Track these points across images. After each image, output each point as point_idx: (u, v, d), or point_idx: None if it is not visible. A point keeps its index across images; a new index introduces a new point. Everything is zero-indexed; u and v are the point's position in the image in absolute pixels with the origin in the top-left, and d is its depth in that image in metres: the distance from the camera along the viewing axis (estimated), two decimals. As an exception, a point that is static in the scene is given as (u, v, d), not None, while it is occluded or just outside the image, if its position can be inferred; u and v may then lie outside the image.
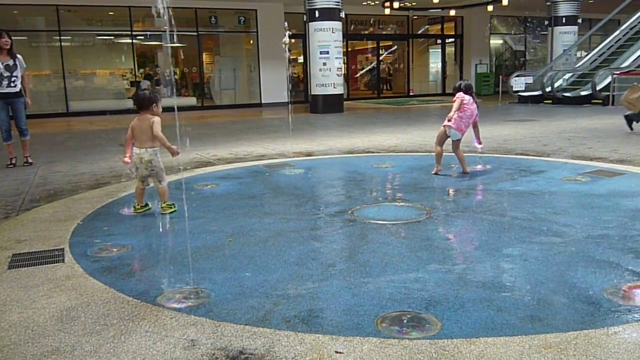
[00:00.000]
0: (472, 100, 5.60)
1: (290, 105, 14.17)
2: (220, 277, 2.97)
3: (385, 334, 2.27)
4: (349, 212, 4.28)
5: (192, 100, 18.41)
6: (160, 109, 4.35)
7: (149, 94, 4.35)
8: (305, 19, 15.13)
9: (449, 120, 5.50)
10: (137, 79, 17.71)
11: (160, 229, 4.08)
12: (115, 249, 3.52)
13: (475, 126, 5.78)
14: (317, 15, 14.58)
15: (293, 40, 18.64)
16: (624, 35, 17.78)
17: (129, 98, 16.40)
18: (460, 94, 5.56)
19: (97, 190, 5.37)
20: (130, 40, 17.33)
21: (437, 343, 2.17)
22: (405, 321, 2.38)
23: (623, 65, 15.77)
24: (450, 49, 24.29)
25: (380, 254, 3.29)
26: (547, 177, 5.45)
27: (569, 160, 6.39)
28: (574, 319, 2.34)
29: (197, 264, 3.17)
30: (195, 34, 17.98)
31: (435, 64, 24.73)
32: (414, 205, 4.47)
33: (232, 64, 19.49)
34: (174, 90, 19.66)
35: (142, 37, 17.81)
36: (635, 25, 17.70)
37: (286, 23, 7.50)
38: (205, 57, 19.18)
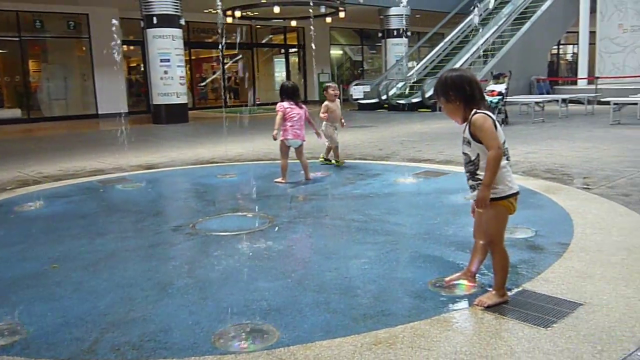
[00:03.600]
0: (293, 103, 5.64)
1: (130, 115, 13.44)
2: (41, 308, 2.68)
3: (222, 350, 2.21)
4: (190, 225, 4.15)
5: (15, 112, 16.65)
6: None
7: None
8: (142, 26, 14.49)
9: (276, 134, 5.61)
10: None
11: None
12: None
13: (309, 121, 5.88)
14: (155, 21, 14.04)
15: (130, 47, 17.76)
16: (448, 47, 19.69)
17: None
18: (279, 105, 5.66)
19: None
20: None
21: (273, 352, 2.16)
22: (243, 334, 2.34)
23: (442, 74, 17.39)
24: (293, 59, 24.92)
25: (220, 267, 3.22)
26: (382, 179, 5.78)
27: (401, 162, 6.85)
28: (402, 313, 2.48)
29: (13, 296, 2.83)
30: (18, 39, 16.34)
31: (280, 73, 25.18)
32: (257, 214, 4.46)
33: (63, 71, 18.00)
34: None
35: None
36: (457, 38, 19.71)
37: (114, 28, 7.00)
38: (31, 64, 17.49)
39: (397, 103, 17.03)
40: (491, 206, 2.46)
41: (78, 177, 6.51)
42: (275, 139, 5.65)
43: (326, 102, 6.56)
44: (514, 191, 2.49)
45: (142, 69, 19.52)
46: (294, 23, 21.15)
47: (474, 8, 18.41)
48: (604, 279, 2.77)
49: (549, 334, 2.22)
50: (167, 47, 14.21)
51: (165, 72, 14.30)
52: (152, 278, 3.07)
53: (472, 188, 2.52)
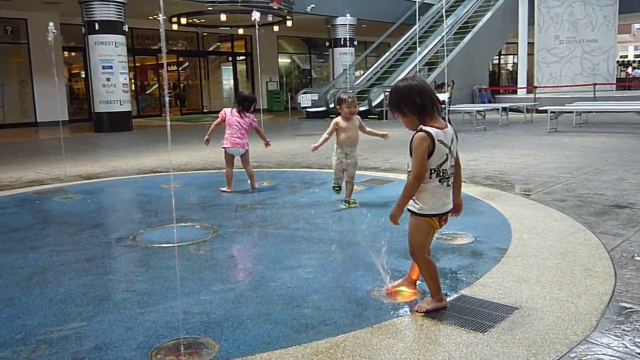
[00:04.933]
0: (237, 111, 5.55)
1: (71, 123, 13.00)
2: (-35, 328, 2.53)
3: (159, 367, 2.14)
4: (131, 237, 4.03)
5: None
6: None
7: None
8: (84, 32, 14.07)
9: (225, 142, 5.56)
10: None
11: None
12: None
13: (256, 130, 5.80)
14: (97, 27, 13.66)
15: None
16: (393, 56, 20.08)
17: None
18: (222, 112, 5.63)
19: None
20: None
21: (212, 368, 2.11)
22: (182, 349, 2.28)
23: (393, 84, 17.73)
24: (242, 67, 24.78)
25: (161, 279, 3.13)
26: (328, 188, 5.76)
27: (348, 170, 6.89)
28: (344, 322, 2.48)
29: None
30: (-51, 44, 15.55)
31: (228, 80, 24.99)
32: (201, 224, 4.39)
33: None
34: None
35: None
36: (402, 48, 20.12)
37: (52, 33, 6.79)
38: (-36, 71, 16.68)
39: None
40: (412, 218, 2.49)
41: (13, 188, 6.22)
42: (206, 143, 5.69)
43: (337, 119, 4.86)
44: (436, 212, 2.49)
45: (84, 75, 18.95)
46: (241, 31, 21.06)
47: (418, 19, 18.88)
48: (539, 283, 2.86)
49: (486, 338, 2.27)
50: (109, 53, 13.85)
51: (108, 79, 13.92)
52: (88, 293, 2.95)
53: None
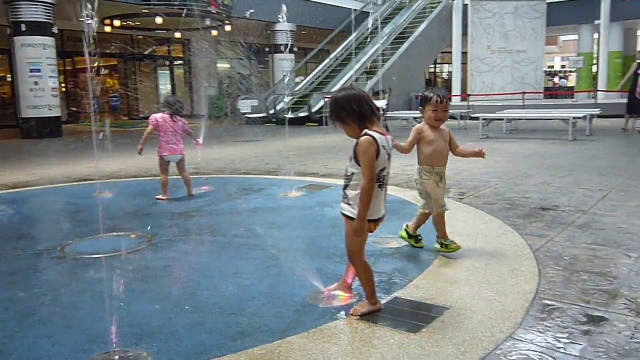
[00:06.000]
0: (166, 116, 5.43)
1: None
2: None
3: (87, 382, 2.06)
4: (59, 249, 3.86)
5: None
6: None
7: None
8: (9, 33, 13.42)
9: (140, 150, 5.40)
10: None
11: None
12: None
13: (189, 134, 5.71)
14: (24, 29, 13.05)
15: None
16: (333, 63, 20.29)
17: None
18: (152, 118, 5.47)
19: None
20: None
21: (143, 380, 2.05)
22: (112, 362, 2.21)
23: (333, 90, 17.93)
24: (179, 71, 24.33)
25: (90, 292, 3.02)
26: (267, 194, 5.79)
27: (287, 177, 6.89)
28: (280, 329, 2.48)
29: None
30: None
31: (165, 86, 24.45)
32: (134, 234, 4.27)
33: None
34: None
35: None
36: (342, 55, 20.37)
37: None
38: None
39: (285, 117, 17.21)
40: (349, 223, 2.54)
41: None
42: (140, 153, 5.44)
43: (419, 126, 3.56)
44: (373, 218, 2.55)
45: (10, 79, 18.05)
46: (178, 35, 20.69)
47: (354, 28, 19.18)
48: (468, 284, 2.96)
49: (418, 339, 2.33)
50: (37, 56, 13.26)
51: (36, 84, 13.32)
52: (11, 308, 2.81)
53: (342, 199, 2.60)
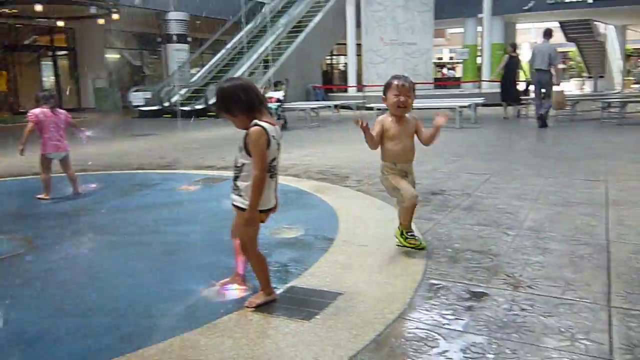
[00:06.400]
0: (46, 110, 5.10)
1: None
2: None
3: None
4: None
5: None
6: None
7: None
8: None
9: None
10: None
11: None
12: None
13: (72, 125, 5.38)
14: None
15: None
16: (229, 54, 19.97)
17: None
18: (30, 114, 5.09)
19: None
20: None
21: (19, 393, 1.91)
22: (-17, 377, 2.03)
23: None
24: (64, 62, 22.79)
25: (-40, 301, 2.76)
26: (161, 189, 5.59)
27: (183, 170, 6.72)
28: (173, 326, 2.40)
29: None
30: None
31: (48, 78, 22.80)
32: (12, 236, 3.95)
33: None
34: None
35: None
36: (237, 46, 20.09)
37: None
38: None
39: (181, 110, 16.74)
40: (241, 214, 2.51)
41: None
42: (21, 153, 5.01)
43: (381, 117, 3.36)
44: (264, 208, 2.54)
45: None
46: (61, 23, 19.37)
47: (254, 15, 19.03)
48: (361, 268, 3.04)
49: (312, 325, 2.36)
50: None
51: None
52: None
53: (232, 190, 2.56)
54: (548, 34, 11.20)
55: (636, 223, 3.80)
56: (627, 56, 32.16)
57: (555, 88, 10.62)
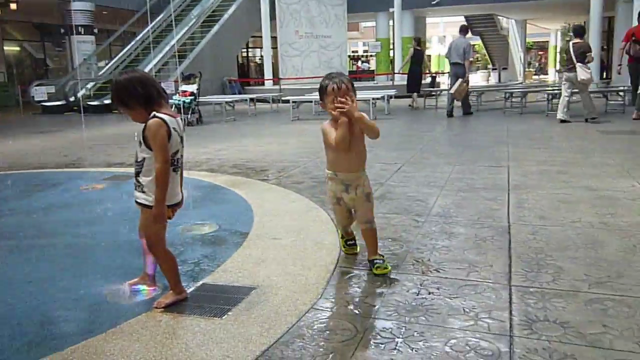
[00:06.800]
0: None
1: None
2: None
3: None
4: None
5: None
6: None
7: None
8: None
9: None
10: None
11: None
12: None
13: None
14: None
15: None
16: (139, 46, 19.20)
17: None
18: None
19: None
20: None
21: None
22: None
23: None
24: (-45, 55, 21.01)
25: None
26: (63, 188, 5.28)
27: (89, 169, 6.39)
28: (75, 332, 2.27)
29: None
30: None
31: (-63, 71, 20.95)
32: None
33: None
34: None
35: None
36: (147, 38, 19.36)
37: None
38: None
39: (88, 105, 15.92)
40: (145, 211, 2.43)
41: None
42: None
43: (322, 125, 2.88)
44: (170, 203, 2.46)
45: None
46: (-50, 12, 17.83)
47: (166, 6, 18.39)
48: (275, 261, 3.03)
49: (223, 322, 2.31)
50: None
51: None
52: None
53: (135, 187, 2.47)
54: (464, 30, 11.81)
55: (534, 205, 4.04)
56: (528, 49, 34.27)
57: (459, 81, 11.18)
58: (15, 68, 22.98)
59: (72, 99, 15.96)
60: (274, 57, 22.04)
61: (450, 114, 11.28)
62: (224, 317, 2.35)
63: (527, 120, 10.22)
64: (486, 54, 34.16)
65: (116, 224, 3.95)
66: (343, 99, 2.69)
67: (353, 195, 2.87)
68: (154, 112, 2.38)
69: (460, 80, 11.07)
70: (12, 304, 2.60)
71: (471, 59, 11.77)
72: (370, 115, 11.17)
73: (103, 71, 18.35)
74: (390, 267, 2.83)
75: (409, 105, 13.93)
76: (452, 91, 11.17)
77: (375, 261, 2.83)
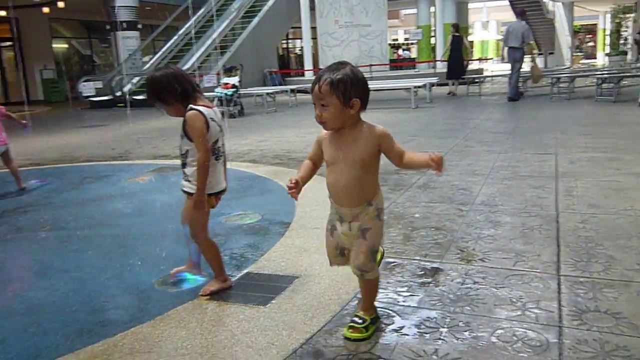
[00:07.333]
0: None
1: None
2: None
3: None
4: None
5: None
6: None
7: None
8: None
9: None
10: None
11: None
12: None
13: (9, 118, 5.16)
14: None
15: None
16: (181, 40, 19.51)
17: None
18: None
19: None
20: None
21: (-40, 399, 1.83)
22: None
23: (184, 68, 17.27)
24: (8, 54, 21.88)
25: None
26: (112, 181, 5.43)
27: (136, 161, 6.55)
28: (124, 320, 2.34)
29: None
30: None
31: (-8, 70, 21.89)
32: (-46, 236, 3.77)
33: None
34: None
35: None
36: (190, 32, 19.64)
37: None
38: None
39: (134, 99, 16.31)
40: (189, 199, 2.48)
41: None
42: None
43: (320, 135, 2.11)
44: (213, 191, 2.51)
45: None
46: (3, 13, 18.53)
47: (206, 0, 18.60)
48: (317, 251, 3.02)
49: (267, 310, 2.33)
50: None
51: None
52: None
53: (183, 177, 2.52)
54: (521, 13, 11.52)
55: (584, 193, 3.91)
56: (575, 32, 33.07)
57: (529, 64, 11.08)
58: (64, 65, 23.76)
59: (118, 93, 16.38)
60: (314, 48, 22.00)
61: (513, 98, 11.17)
62: (267, 305, 2.37)
63: (576, 106, 9.89)
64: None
65: (162, 215, 4.04)
66: (291, 184, 2.03)
67: (346, 229, 2.07)
68: (190, 105, 2.43)
69: (532, 65, 11.03)
70: (66, 292, 2.69)
71: (530, 42, 11.48)
72: (412, 104, 11.03)
73: (147, 66, 18.73)
74: (368, 334, 2.06)
75: (448, 93, 13.72)
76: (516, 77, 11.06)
77: (353, 319, 2.11)
